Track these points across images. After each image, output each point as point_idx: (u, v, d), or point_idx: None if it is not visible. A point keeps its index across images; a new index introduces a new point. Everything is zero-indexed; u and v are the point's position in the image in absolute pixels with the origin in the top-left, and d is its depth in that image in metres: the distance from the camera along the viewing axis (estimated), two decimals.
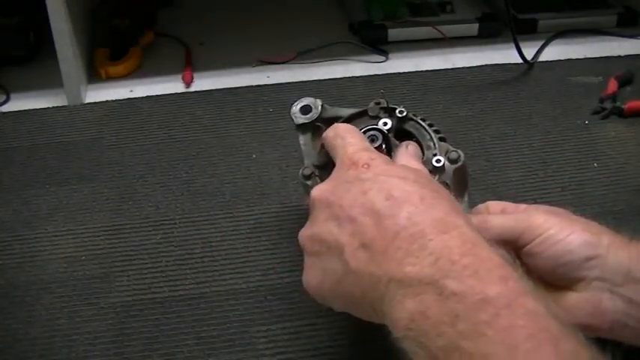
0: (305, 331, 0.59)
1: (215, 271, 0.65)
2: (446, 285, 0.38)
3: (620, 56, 1.00)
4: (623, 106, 0.86)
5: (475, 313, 0.37)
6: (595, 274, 0.48)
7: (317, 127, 0.62)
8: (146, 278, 0.64)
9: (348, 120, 0.61)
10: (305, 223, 0.68)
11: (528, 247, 0.50)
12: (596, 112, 0.87)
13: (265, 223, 0.70)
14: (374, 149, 0.51)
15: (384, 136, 0.56)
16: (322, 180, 0.58)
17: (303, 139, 0.62)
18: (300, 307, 0.61)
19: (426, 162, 0.55)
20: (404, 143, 0.55)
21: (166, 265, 0.66)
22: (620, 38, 1.05)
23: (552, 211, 0.52)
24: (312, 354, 0.57)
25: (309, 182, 0.59)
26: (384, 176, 0.45)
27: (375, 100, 0.60)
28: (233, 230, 0.69)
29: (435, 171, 0.54)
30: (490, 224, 0.51)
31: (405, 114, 0.58)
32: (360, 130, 0.56)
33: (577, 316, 0.49)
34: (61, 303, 0.62)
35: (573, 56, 1.00)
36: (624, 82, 0.92)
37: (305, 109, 0.62)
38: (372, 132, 0.56)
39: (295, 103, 0.63)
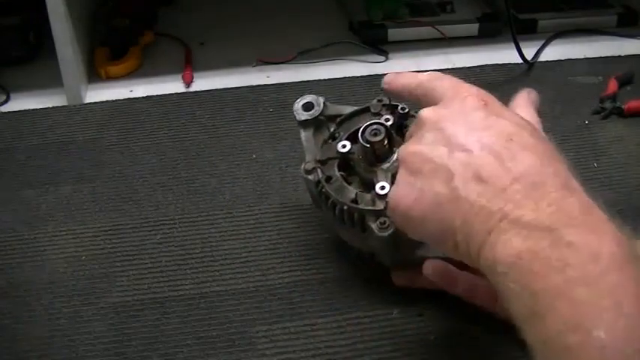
0: (305, 331, 0.59)
1: (215, 271, 0.65)
2: (564, 234, 0.38)
3: (620, 56, 1.00)
4: (623, 106, 0.86)
5: (587, 265, 0.37)
6: None
7: (319, 123, 0.62)
8: (146, 278, 0.64)
9: (351, 117, 0.62)
10: (305, 223, 0.68)
11: None
12: (596, 112, 0.87)
13: (265, 223, 0.70)
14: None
15: (387, 130, 0.56)
16: (324, 174, 0.59)
17: (305, 135, 0.63)
18: (300, 307, 0.61)
19: None
20: (526, 90, 0.56)
21: (166, 265, 0.66)
22: (620, 38, 1.05)
23: None
24: (312, 354, 0.57)
25: (310, 177, 0.60)
26: (504, 119, 0.45)
27: (378, 98, 0.60)
28: (233, 230, 0.69)
29: None
30: None
31: (406, 110, 0.59)
32: (363, 125, 0.56)
33: None
34: (61, 303, 0.62)
35: (573, 56, 1.00)
36: (624, 82, 0.92)
37: (307, 106, 0.63)
38: (374, 126, 0.56)
39: (298, 100, 0.63)
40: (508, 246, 0.40)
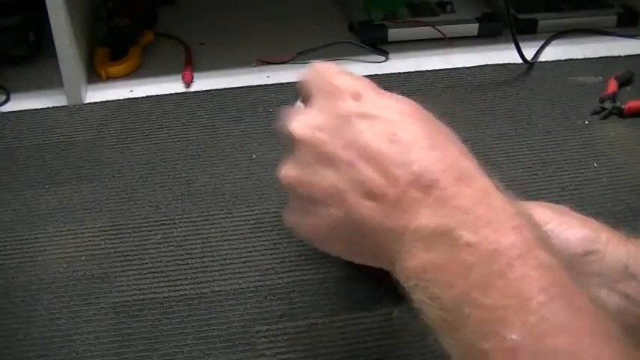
0: (305, 331, 0.59)
1: (215, 271, 0.65)
2: (460, 235, 0.37)
3: (620, 56, 1.00)
4: (623, 106, 0.86)
5: (488, 263, 0.36)
6: (593, 270, 0.48)
7: None
8: (146, 278, 0.64)
9: None
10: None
11: None
12: (596, 112, 0.87)
13: (265, 223, 0.70)
14: (358, 75, 0.45)
15: None
16: None
17: None
18: (300, 307, 0.61)
19: None
20: None
21: (166, 265, 0.66)
22: (620, 38, 1.05)
23: (551, 206, 0.52)
24: (312, 354, 0.57)
25: None
26: (382, 110, 0.42)
27: None
28: (233, 230, 0.69)
29: None
30: None
31: None
32: None
33: None
34: (61, 303, 0.62)
35: (573, 56, 1.00)
36: (624, 82, 0.92)
37: None
38: None
39: (299, 100, 0.63)
40: (413, 261, 0.39)
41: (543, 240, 0.38)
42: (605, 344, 0.34)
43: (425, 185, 0.39)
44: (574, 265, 0.38)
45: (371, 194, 0.40)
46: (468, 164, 0.41)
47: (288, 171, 0.44)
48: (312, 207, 0.43)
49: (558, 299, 0.35)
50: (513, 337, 0.34)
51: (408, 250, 0.39)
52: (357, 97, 0.42)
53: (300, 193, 0.43)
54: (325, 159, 0.41)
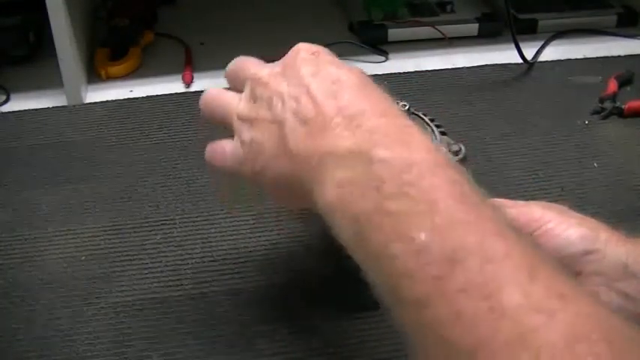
0: (305, 331, 0.59)
1: (215, 271, 0.65)
2: (375, 153, 0.39)
3: (620, 56, 1.00)
4: (623, 106, 0.86)
5: (400, 176, 0.38)
6: (592, 269, 0.48)
7: None
8: (146, 278, 0.64)
9: None
10: (305, 221, 0.68)
11: None
12: (596, 112, 0.87)
13: (265, 223, 0.70)
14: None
15: None
16: None
17: None
18: (300, 307, 0.61)
19: None
20: None
21: (166, 265, 0.66)
22: (620, 38, 1.05)
23: (551, 206, 0.52)
24: (312, 354, 0.57)
25: None
26: (332, 65, 0.47)
27: None
28: (233, 230, 0.69)
29: None
30: None
31: (407, 108, 0.60)
32: None
33: None
34: (61, 303, 0.62)
35: (573, 56, 1.00)
36: (624, 82, 0.92)
37: None
38: None
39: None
40: (330, 178, 0.41)
41: (454, 165, 0.40)
42: (510, 243, 0.35)
43: (349, 114, 0.42)
44: (492, 203, 0.40)
45: (303, 121, 0.44)
46: (396, 110, 0.44)
47: (242, 108, 0.49)
48: (256, 137, 0.47)
49: (465, 204, 0.37)
50: (422, 237, 0.35)
51: (326, 172, 0.41)
52: (315, 54, 0.48)
53: (251, 121, 0.48)
54: (276, 94, 0.47)
